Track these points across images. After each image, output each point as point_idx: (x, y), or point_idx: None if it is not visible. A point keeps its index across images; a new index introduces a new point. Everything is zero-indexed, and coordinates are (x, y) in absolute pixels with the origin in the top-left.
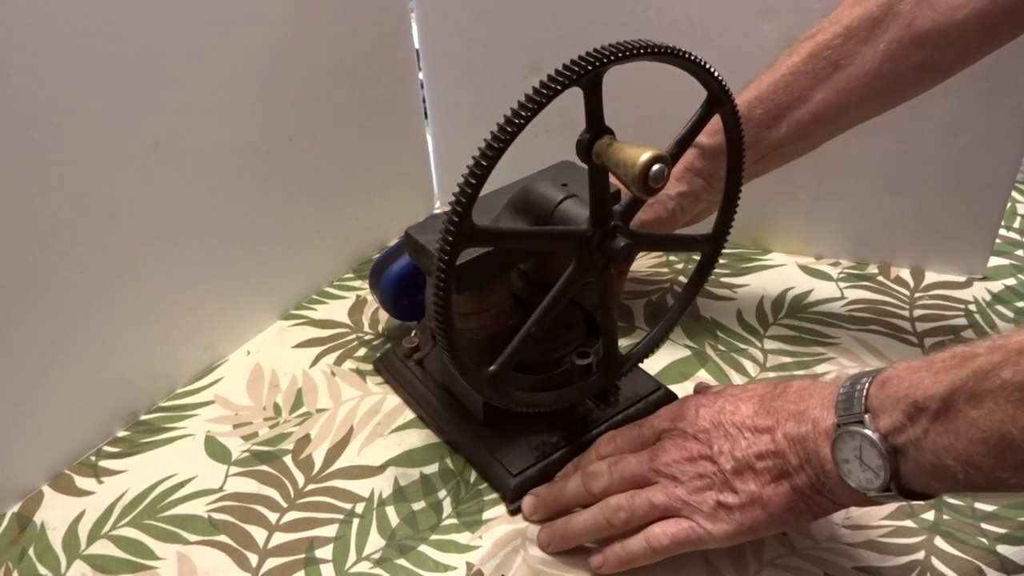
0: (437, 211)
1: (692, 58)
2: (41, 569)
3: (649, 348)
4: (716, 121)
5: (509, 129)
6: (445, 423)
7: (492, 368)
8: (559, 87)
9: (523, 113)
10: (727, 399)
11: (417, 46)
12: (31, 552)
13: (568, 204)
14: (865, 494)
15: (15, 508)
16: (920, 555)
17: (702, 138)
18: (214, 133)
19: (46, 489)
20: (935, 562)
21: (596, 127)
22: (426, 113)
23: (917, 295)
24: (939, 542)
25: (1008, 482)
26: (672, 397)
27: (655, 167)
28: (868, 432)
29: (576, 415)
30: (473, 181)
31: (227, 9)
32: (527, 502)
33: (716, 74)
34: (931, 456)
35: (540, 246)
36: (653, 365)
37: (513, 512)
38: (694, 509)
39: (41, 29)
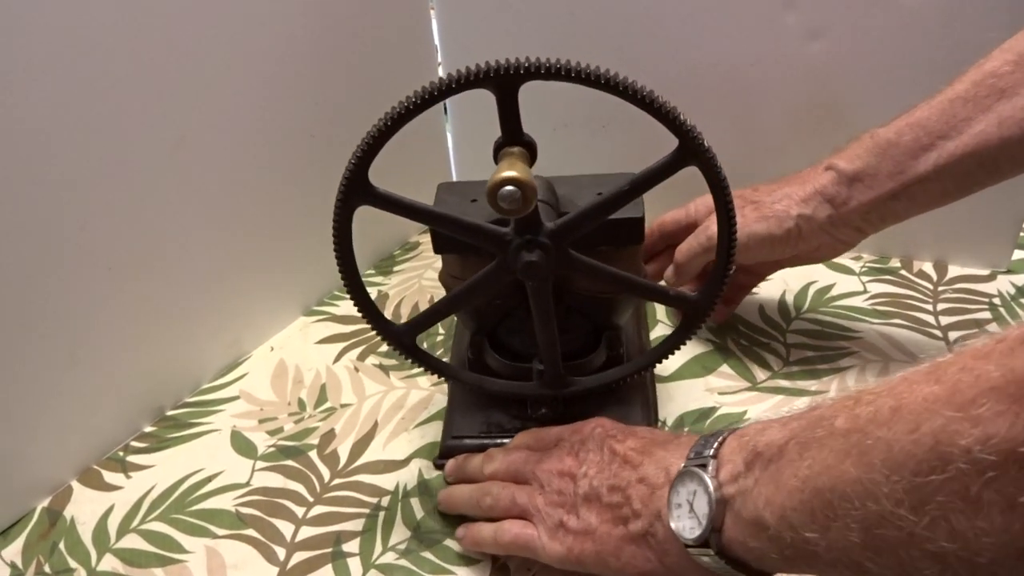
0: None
1: (641, 96)
2: (72, 563)
3: (603, 382)
4: (861, 142)
5: (400, 110)
6: (454, 369)
7: (400, 325)
8: (455, 85)
9: (415, 100)
10: (624, 429)
11: (437, 41)
12: (61, 546)
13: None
14: (687, 548)
15: (45, 503)
16: None
17: (840, 160)
18: (237, 130)
19: (75, 484)
20: None
21: (508, 135)
22: (445, 108)
23: (940, 289)
24: None
25: (813, 543)
26: None
27: (505, 188)
28: (706, 477)
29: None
30: (364, 148)
31: (249, 6)
32: (449, 463)
33: (680, 119)
34: (752, 508)
35: (456, 233)
36: (675, 360)
37: (437, 467)
38: (542, 520)
39: (67, 29)
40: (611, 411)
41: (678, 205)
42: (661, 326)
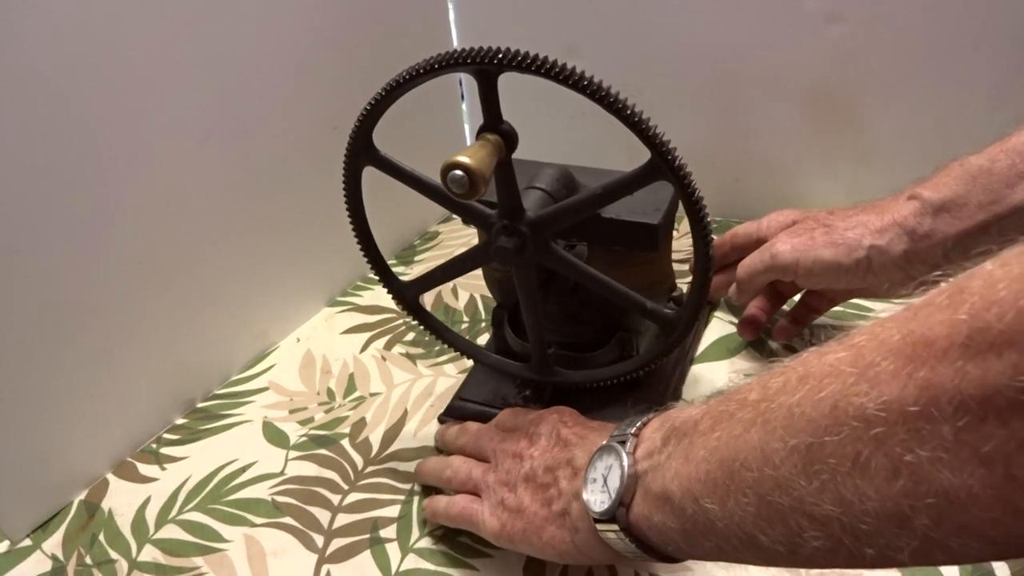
0: None
1: (611, 101)
2: (113, 554)
3: (581, 379)
4: (948, 170)
5: (393, 84)
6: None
7: (406, 279)
8: (437, 66)
9: (405, 76)
10: (578, 418)
11: (454, 34)
12: (101, 537)
13: (531, 191)
14: (596, 524)
15: (82, 495)
16: None
17: (924, 189)
18: (261, 125)
19: (110, 477)
20: None
21: (487, 121)
22: (462, 94)
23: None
24: None
25: (712, 515)
26: None
27: (453, 172)
28: (622, 452)
29: (528, 398)
30: (362, 117)
31: (272, 2)
32: (438, 431)
33: (652, 132)
34: (661, 481)
35: (445, 205)
36: (700, 342)
37: (440, 422)
38: (488, 496)
39: (92, 27)
40: (611, 411)
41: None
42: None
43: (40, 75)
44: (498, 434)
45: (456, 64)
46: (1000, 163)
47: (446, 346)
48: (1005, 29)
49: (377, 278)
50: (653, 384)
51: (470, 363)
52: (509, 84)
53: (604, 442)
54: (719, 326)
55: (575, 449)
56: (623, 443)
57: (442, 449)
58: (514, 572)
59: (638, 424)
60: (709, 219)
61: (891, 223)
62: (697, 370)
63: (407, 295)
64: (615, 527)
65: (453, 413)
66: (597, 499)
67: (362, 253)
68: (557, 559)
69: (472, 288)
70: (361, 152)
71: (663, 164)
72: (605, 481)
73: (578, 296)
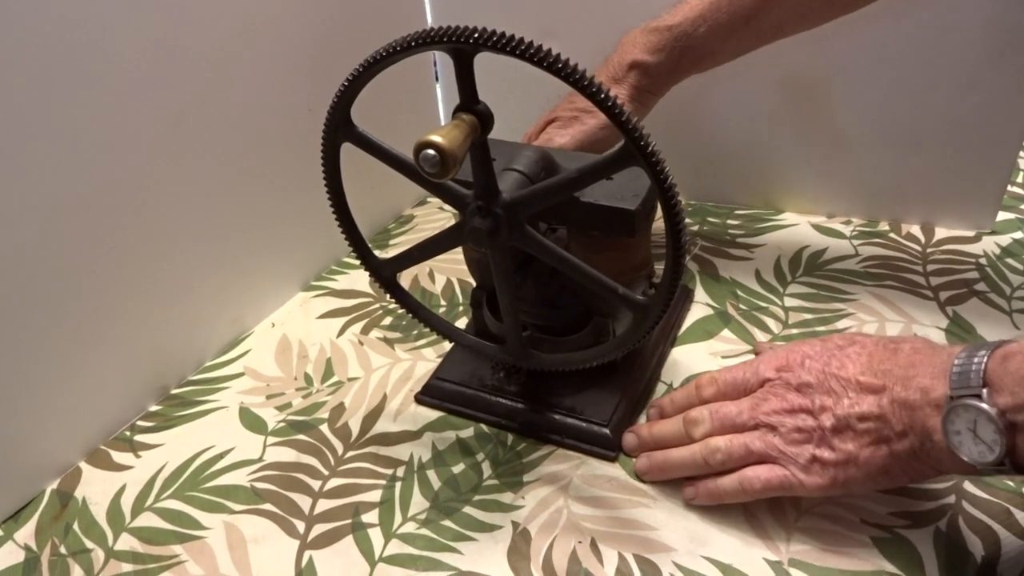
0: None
1: (586, 84)
2: (88, 543)
3: (554, 365)
4: (660, 34)
5: (371, 60)
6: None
7: (387, 258)
8: (414, 44)
9: (383, 53)
10: (835, 354)
11: (429, 16)
12: (76, 527)
13: (509, 173)
14: (975, 466)
15: (54, 484)
16: (951, 499)
17: (643, 56)
18: (235, 106)
19: (83, 465)
20: (966, 505)
21: (462, 100)
22: (437, 75)
23: (929, 250)
24: (968, 486)
25: None
26: (610, 444)
27: (425, 151)
28: (985, 407)
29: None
30: (339, 94)
31: None
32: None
33: (625, 116)
34: None
35: (421, 184)
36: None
37: (417, 401)
38: (790, 459)
39: (63, 9)
40: (585, 396)
41: None
42: (696, 305)
43: (4, 58)
44: (744, 404)
45: (433, 42)
46: (701, 29)
47: (425, 329)
48: (975, 14)
49: (355, 259)
50: (632, 367)
51: (449, 346)
52: (494, 65)
53: (943, 388)
54: (698, 309)
55: (891, 392)
56: (975, 396)
57: (658, 445)
58: (499, 555)
59: (979, 373)
60: (682, 206)
61: (631, 91)
62: (677, 352)
63: (384, 273)
64: (1003, 467)
65: (430, 392)
66: (976, 451)
67: (341, 231)
68: (906, 484)
69: (449, 272)
70: (339, 129)
71: (635, 149)
72: (974, 433)
73: (556, 280)
